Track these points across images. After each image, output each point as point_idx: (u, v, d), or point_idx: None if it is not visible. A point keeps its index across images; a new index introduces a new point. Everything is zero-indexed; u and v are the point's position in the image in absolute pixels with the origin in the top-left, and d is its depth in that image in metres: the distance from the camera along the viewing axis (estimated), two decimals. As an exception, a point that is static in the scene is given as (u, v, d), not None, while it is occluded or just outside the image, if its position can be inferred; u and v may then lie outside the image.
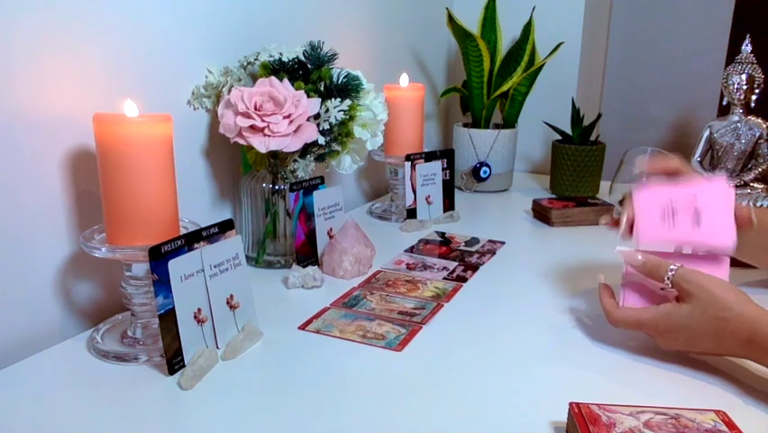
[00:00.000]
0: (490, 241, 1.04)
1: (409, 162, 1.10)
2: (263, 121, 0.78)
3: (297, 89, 0.82)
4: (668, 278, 0.63)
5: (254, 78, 0.85)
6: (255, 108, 0.79)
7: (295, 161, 0.88)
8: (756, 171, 1.28)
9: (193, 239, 0.62)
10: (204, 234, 0.64)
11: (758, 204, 1.23)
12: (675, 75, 1.95)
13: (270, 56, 0.86)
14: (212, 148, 0.91)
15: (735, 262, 0.70)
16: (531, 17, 1.36)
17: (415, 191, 1.11)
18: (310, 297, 0.81)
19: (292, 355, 0.65)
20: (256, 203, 0.91)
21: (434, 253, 0.98)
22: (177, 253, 0.60)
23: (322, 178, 0.90)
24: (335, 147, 0.88)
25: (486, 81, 1.38)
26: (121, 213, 0.62)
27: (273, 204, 0.90)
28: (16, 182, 0.65)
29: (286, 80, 0.82)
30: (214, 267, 0.64)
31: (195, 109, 0.87)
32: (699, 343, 0.61)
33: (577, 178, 1.32)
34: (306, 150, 0.86)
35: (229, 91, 0.83)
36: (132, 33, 0.76)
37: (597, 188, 1.35)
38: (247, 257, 0.90)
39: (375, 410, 0.56)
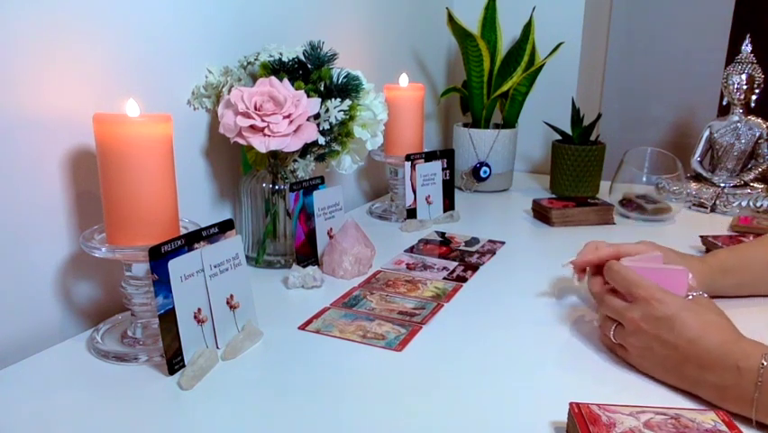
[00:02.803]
0: (490, 241, 1.04)
1: (409, 162, 1.10)
2: (263, 121, 0.78)
3: (297, 89, 0.82)
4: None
5: (254, 78, 0.85)
6: (255, 108, 0.79)
7: (295, 160, 0.88)
8: (756, 171, 1.28)
9: (193, 239, 0.62)
10: (204, 234, 0.64)
11: (758, 204, 1.23)
12: (675, 75, 1.95)
13: (270, 56, 0.86)
14: (212, 148, 0.91)
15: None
16: (531, 17, 1.36)
17: (415, 191, 1.11)
18: (310, 297, 0.81)
19: (292, 355, 0.65)
20: (256, 203, 0.91)
21: (434, 253, 0.98)
22: (177, 253, 0.60)
23: (322, 178, 0.90)
24: (335, 147, 0.88)
25: (486, 81, 1.38)
26: (121, 213, 0.62)
27: (273, 204, 0.90)
28: (16, 182, 0.65)
29: (286, 80, 0.82)
30: (214, 267, 0.64)
31: (195, 109, 0.87)
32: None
33: (577, 178, 1.32)
34: (306, 150, 0.86)
35: (229, 91, 0.83)
36: (132, 33, 0.76)
37: (597, 188, 1.35)
38: (247, 257, 0.90)
39: (375, 410, 0.56)
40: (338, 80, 0.87)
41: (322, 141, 0.85)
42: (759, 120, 1.28)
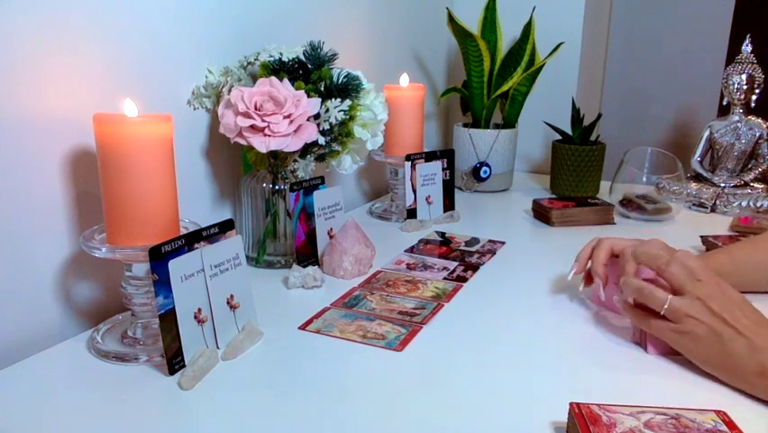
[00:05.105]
0: (490, 241, 1.04)
1: (409, 162, 1.10)
2: (263, 121, 0.78)
3: (297, 89, 0.82)
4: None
5: (254, 78, 0.85)
6: (255, 108, 0.79)
7: (295, 161, 0.88)
8: (756, 171, 1.28)
9: (193, 239, 0.62)
10: (204, 234, 0.64)
11: (758, 204, 1.23)
12: (675, 75, 1.95)
13: (270, 56, 0.86)
14: (212, 148, 0.91)
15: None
16: (531, 17, 1.36)
17: (415, 191, 1.11)
18: (310, 297, 0.81)
19: (292, 355, 0.65)
20: (256, 203, 0.91)
21: (435, 253, 0.98)
22: (177, 253, 0.60)
23: (322, 178, 0.90)
24: (335, 147, 0.88)
25: (486, 81, 1.38)
26: (121, 213, 0.62)
27: (273, 204, 0.90)
28: (16, 182, 0.65)
29: (286, 80, 0.82)
30: (215, 267, 0.64)
31: (195, 109, 0.87)
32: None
33: (577, 178, 1.32)
34: (306, 150, 0.86)
35: (229, 91, 0.83)
36: (132, 33, 0.76)
37: (597, 188, 1.35)
38: (247, 257, 0.90)
39: (375, 410, 0.56)
40: (338, 80, 0.87)
41: (322, 141, 0.85)
42: (759, 120, 1.28)
